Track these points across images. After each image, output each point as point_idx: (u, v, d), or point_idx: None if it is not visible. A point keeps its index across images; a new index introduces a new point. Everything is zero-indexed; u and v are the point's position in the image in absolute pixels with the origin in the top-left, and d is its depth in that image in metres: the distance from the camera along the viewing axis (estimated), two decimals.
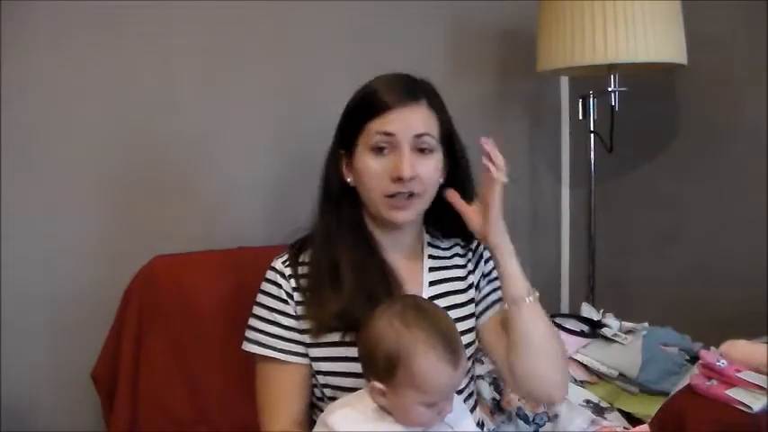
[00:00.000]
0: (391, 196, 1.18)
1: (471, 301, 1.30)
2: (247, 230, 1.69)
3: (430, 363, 1.02)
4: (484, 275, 1.33)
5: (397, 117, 1.16)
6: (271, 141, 1.79)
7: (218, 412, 1.48)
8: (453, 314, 1.21)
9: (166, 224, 1.65)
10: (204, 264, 1.56)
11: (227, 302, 1.47)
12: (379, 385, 1.05)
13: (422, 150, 1.18)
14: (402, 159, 1.15)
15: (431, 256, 1.30)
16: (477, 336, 1.30)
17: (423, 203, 1.22)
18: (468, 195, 1.25)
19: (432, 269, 1.28)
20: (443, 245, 1.33)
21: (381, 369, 1.04)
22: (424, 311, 1.08)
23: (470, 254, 1.34)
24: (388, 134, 1.16)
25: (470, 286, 1.31)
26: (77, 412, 1.56)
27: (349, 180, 1.23)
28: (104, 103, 1.57)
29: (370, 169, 1.18)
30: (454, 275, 1.30)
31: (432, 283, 1.27)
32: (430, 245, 1.31)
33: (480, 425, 1.31)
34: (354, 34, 1.90)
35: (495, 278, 1.30)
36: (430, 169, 1.19)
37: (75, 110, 1.54)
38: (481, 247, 1.34)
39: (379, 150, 1.17)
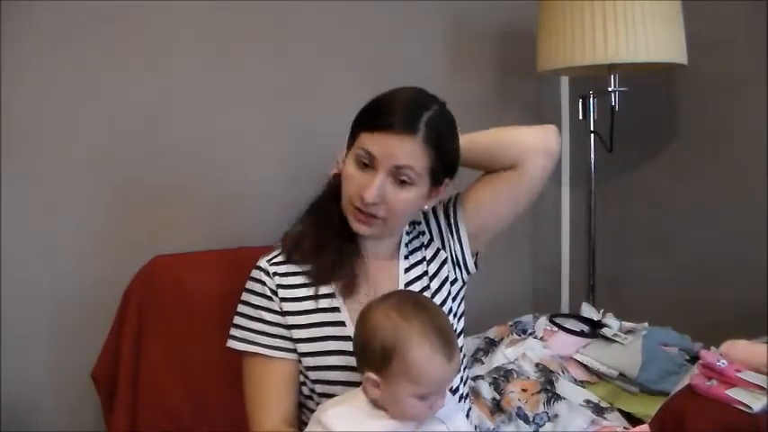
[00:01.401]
0: (356, 207, 1.18)
1: (448, 282, 1.31)
2: (247, 230, 1.69)
3: (425, 354, 1.04)
4: (439, 222, 1.33)
5: (384, 141, 1.14)
6: (270, 141, 1.79)
7: (218, 412, 1.48)
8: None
9: (166, 224, 1.65)
10: (204, 264, 1.56)
11: (227, 302, 1.47)
12: (373, 376, 1.06)
13: (401, 181, 1.17)
14: (372, 183, 1.15)
15: (406, 257, 1.30)
16: (471, 214, 1.32)
17: (388, 227, 1.21)
18: None
19: (407, 269, 1.29)
20: (414, 232, 1.33)
21: (377, 359, 1.05)
22: (420, 304, 1.11)
23: (426, 234, 1.33)
24: (370, 154, 1.16)
25: (444, 263, 1.32)
26: (77, 412, 1.56)
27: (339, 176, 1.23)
28: (105, 103, 1.57)
29: (348, 176, 1.19)
30: (424, 271, 1.30)
31: (407, 285, 1.27)
32: (406, 245, 1.31)
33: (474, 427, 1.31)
34: (354, 34, 1.90)
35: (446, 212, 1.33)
36: (402, 200, 1.18)
37: (75, 110, 1.54)
38: (429, 215, 1.34)
39: (361, 163, 1.17)
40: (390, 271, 1.28)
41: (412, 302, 1.10)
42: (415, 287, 1.27)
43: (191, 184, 1.68)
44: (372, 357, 1.06)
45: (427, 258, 1.31)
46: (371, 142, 1.15)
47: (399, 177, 1.16)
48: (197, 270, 1.54)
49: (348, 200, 1.19)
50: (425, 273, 1.29)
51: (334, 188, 1.25)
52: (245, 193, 1.75)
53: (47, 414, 1.54)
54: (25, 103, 1.48)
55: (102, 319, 1.51)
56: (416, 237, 1.33)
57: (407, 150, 1.15)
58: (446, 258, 1.32)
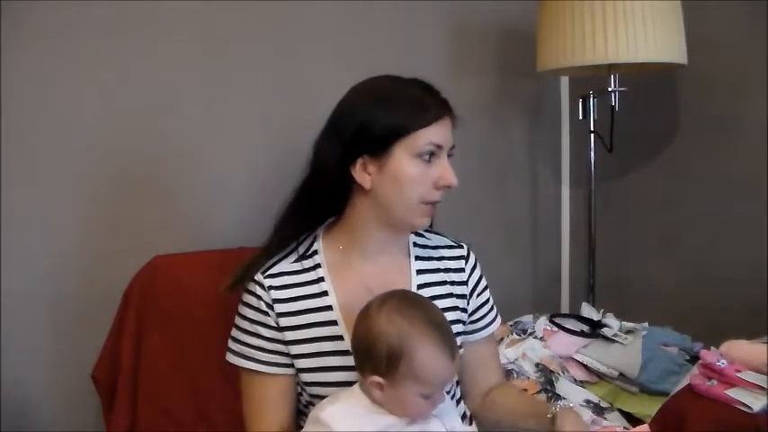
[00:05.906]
0: (428, 203, 1.19)
1: (457, 309, 1.29)
2: (248, 230, 1.69)
3: (431, 356, 1.05)
4: (473, 289, 1.33)
5: (442, 129, 1.18)
6: (271, 141, 1.79)
7: (218, 412, 1.48)
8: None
9: (166, 224, 1.65)
10: (204, 264, 1.55)
11: (227, 303, 1.47)
12: (378, 379, 1.06)
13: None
14: (448, 169, 1.19)
15: (418, 257, 1.29)
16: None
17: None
18: None
19: (420, 271, 1.28)
20: (430, 242, 1.33)
21: (383, 363, 1.05)
22: (419, 305, 1.11)
23: (463, 261, 1.33)
24: (438, 146, 1.17)
25: (461, 296, 1.30)
26: (77, 412, 1.56)
27: (366, 184, 1.19)
28: (104, 102, 1.57)
29: (414, 175, 1.17)
30: (441, 279, 1.29)
31: (420, 287, 1.26)
32: (416, 245, 1.31)
33: (470, 420, 1.32)
34: (354, 34, 1.90)
35: (482, 297, 1.34)
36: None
37: (75, 110, 1.54)
38: (472, 254, 1.35)
39: (426, 158, 1.17)
40: (402, 271, 1.27)
41: (410, 303, 1.10)
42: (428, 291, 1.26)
43: (191, 185, 1.68)
44: (377, 362, 1.06)
45: (450, 285, 1.30)
46: (434, 134, 1.17)
47: (449, 158, 1.21)
48: (197, 270, 1.54)
49: (417, 198, 1.18)
50: (441, 296, 1.27)
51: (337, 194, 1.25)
52: (246, 194, 1.75)
53: (47, 414, 1.54)
54: (25, 103, 1.48)
55: (102, 319, 1.51)
56: (445, 257, 1.32)
57: (450, 130, 1.22)
58: (465, 295, 1.31)
